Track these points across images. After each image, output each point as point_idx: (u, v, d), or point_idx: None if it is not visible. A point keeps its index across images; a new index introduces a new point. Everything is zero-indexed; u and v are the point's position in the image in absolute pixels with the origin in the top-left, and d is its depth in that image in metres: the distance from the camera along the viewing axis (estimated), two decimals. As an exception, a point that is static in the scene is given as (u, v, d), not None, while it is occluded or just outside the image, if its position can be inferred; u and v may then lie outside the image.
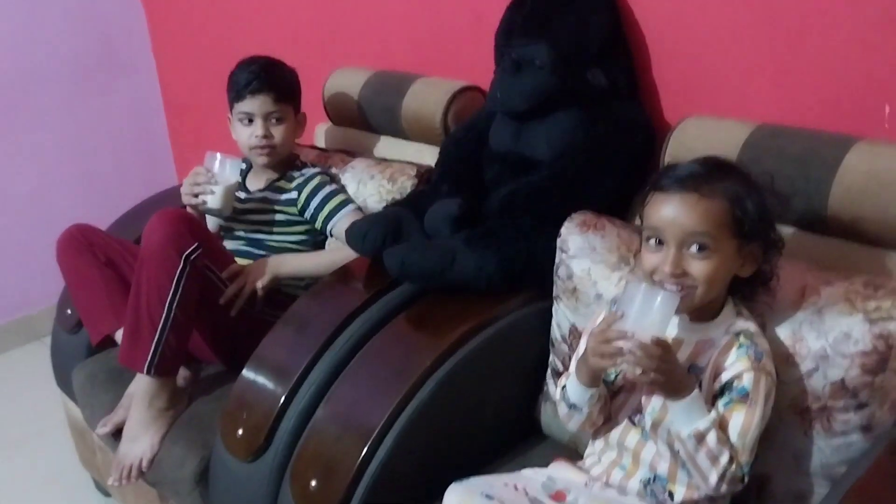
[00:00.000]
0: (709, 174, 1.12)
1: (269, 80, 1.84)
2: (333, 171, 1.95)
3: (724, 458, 1.06)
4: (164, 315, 1.59)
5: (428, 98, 1.92)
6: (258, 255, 1.86)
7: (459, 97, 1.89)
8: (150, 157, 3.18)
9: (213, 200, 1.79)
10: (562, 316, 1.42)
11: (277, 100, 1.84)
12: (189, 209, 1.88)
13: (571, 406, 1.19)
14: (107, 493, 2.07)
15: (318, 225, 1.85)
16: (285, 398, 1.43)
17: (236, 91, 1.86)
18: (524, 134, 1.64)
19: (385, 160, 1.94)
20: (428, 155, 1.93)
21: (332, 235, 1.85)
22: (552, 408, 1.44)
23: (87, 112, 2.96)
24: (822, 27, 1.40)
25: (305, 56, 2.17)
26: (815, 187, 1.30)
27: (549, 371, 1.47)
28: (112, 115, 3.03)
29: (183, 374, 1.73)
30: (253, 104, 1.83)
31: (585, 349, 1.14)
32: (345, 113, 2.14)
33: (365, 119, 2.09)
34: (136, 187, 3.06)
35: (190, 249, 1.61)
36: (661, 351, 1.04)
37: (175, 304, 1.59)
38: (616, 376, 1.19)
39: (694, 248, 1.09)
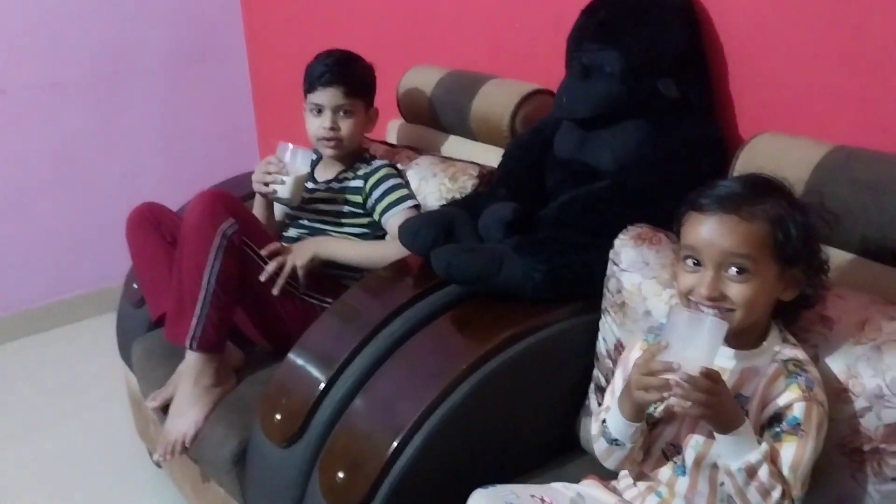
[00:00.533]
0: (750, 194, 1.06)
1: (342, 73, 1.85)
2: (399, 166, 1.95)
3: (777, 493, 1.00)
4: (203, 289, 1.62)
5: (498, 99, 1.90)
6: (321, 243, 1.88)
7: (529, 100, 1.87)
8: (236, 144, 3.26)
9: (282, 190, 1.81)
10: (608, 330, 1.38)
11: (348, 94, 1.85)
12: (258, 196, 1.91)
13: (613, 441, 1.13)
14: (159, 465, 2.12)
15: (375, 216, 1.86)
16: (324, 387, 1.43)
17: (310, 82, 1.88)
18: (589, 142, 1.60)
19: (449, 159, 1.93)
20: (494, 157, 1.90)
21: (385, 228, 1.85)
22: (591, 424, 1.40)
23: (179, 99, 3.07)
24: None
25: (385, 52, 2.19)
26: (889, 216, 1.22)
27: (592, 385, 1.42)
28: (202, 103, 3.13)
29: (236, 355, 1.76)
30: (323, 96, 1.85)
31: (628, 382, 1.08)
32: (417, 110, 2.14)
33: (436, 117, 2.08)
34: (220, 172, 3.14)
35: (226, 224, 1.63)
36: (712, 383, 0.98)
37: (213, 279, 1.62)
38: (658, 409, 1.13)
39: (733, 271, 1.03)
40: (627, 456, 1.14)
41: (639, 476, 1.19)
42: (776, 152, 1.40)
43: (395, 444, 1.28)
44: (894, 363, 1.05)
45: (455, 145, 2.05)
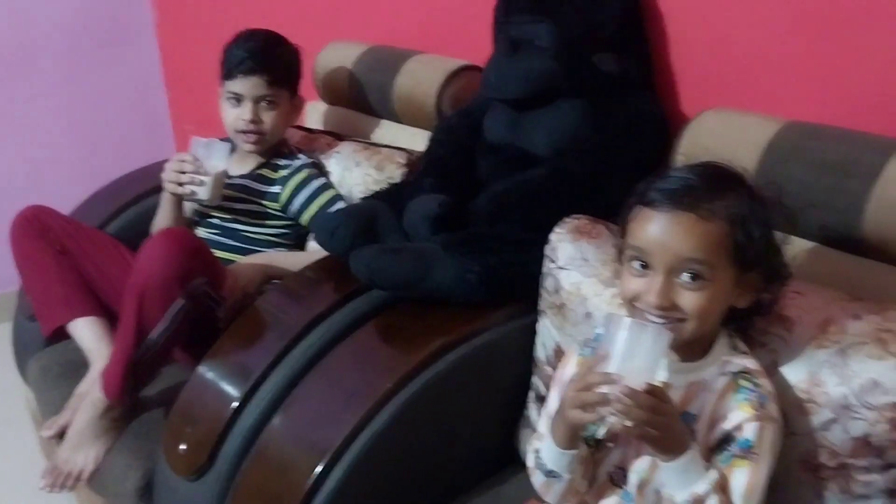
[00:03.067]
0: (708, 188, 0.92)
1: (265, 59, 1.67)
2: (319, 157, 1.78)
3: None
4: (144, 345, 1.44)
5: (422, 77, 1.74)
6: (233, 246, 1.71)
7: (457, 78, 1.71)
8: (149, 132, 3.04)
9: (202, 191, 1.64)
10: (547, 334, 1.25)
11: (271, 83, 1.67)
12: (166, 194, 1.73)
13: (549, 473, 1.00)
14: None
15: (303, 221, 1.70)
16: (234, 410, 1.28)
17: (228, 68, 1.70)
18: (522, 125, 1.46)
19: (374, 145, 1.77)
20: (421, 141, 1.73)
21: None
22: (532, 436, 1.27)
23: (85, 85, 2.83)
24: (872, 18, 1.20)
25: (302, 26, 2.01)
26: (848, 199, 1.11)
27: (531, 395, 1.29)
28: (111, 89, 2.90)
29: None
30: (243, 85, 1.67)
31: (562, 401, 0.95)
32: (337, 91, 1.97)
33: (358, 98, 1.91)
34: (134, 164, 2.94)
35: (194, 285, 1.45)
36: (656, 399, 0.86)
37: (161, 338, 1.44)
38: (603, 434, 0.95)
39: (686, 277, 0.90)
40: (568, 489, 1.01)
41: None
42: (724, 130, 1.28)
43: (315, 473, 1.13)
44: (861, 369, 0.94)
45: (379, 129, 1.89)
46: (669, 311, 0.91)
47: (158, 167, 1.81)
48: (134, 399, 1.51)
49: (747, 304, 0.96)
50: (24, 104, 2.71)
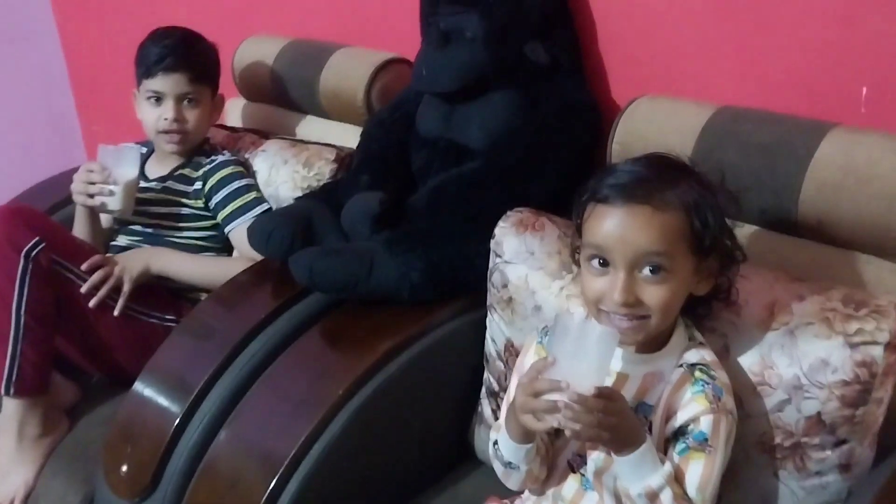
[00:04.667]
0: (659, 178, 0.92)
1: (186, 56, 1.60)
2: (245, 156, 1.73)
3: None
4: (13, 325, 1.37)
5: (349, 72, 1.70)
6: (157, 253, 1.64)
7: (385, 71, 1.68)
8: (56, 134, 2.90)
9: (113, 202, 1.56)
10: (496, 329, 1.24)
11: (193, 80, 1.61)
12: (79, 207, 1.64)
13: (507, 464, 0.99)
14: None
15: (219, 219, 1.64)
16: (177, 426, 1.23)
17: (146, 66, 1.62)
18: (455, 117, 1.44)
19: (301, 142, 1.72)
20: (350, 136, 1.70)
21: (231, 240, 1.63)
22: (486, 432, 1.27)
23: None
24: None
25: (215, 21, 1.94)
26: (783, 182, 1.13)
27: (483, 390, 1.28)
28: (13, 90, 2.74)
29: (68, 391, 1.51)
30: (165, 83, 1.60)
31: (512, 403, 0.94)
32: (258, 87, 1.91)
33: (280, 94, 1.86)
34: (42, 168, 2.80)
35: (30, 245, 1.38)
36: (604, 403, 0.85)
37: (23, 311, 1.37)
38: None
39: (647, 271, 0.90)
40: (526, 478, 1.01)
41: (542, 492, 1.06)
42: (657, 117, 1.29)
43: (269, 487, 1.10)
44: (810, 349, 0.97)
45: (305, 125, 1.84)
46: (634, 308, 0.90)
47: (69, 175, 1.72)
48: (42, 394, 1.42)
49: (706, 291, 0.97)
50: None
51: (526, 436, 0.95)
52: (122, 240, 1.67)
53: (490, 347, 1.26)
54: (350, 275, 1.24)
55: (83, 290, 1.45)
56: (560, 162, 1.36)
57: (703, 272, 0.95)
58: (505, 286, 1.22)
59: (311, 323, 1.31)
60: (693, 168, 0.97)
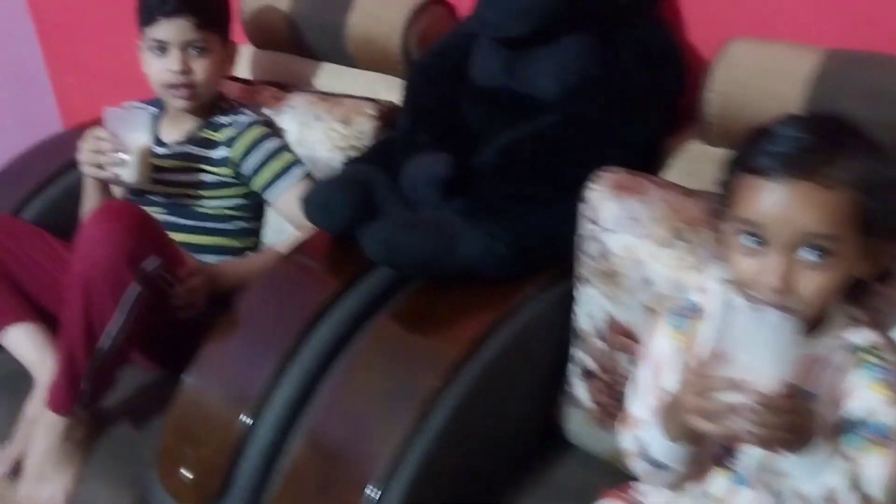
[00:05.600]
0: (828, 149, 0.80)
1: None
2: (265, 112, 1.56)
3: None
4: (104, 347, 1.23)
5: (381, 14, 1.53)
6: (184, 224, 1.48)
7: (424, 13, 1.51)
8: (23, 90, 2.65)
9: (127, 173, 1.39)
10: (594, 305, 1.13)
11: (201, 25, 1.42)
12: (89, 179, 1.48)
13: (657, 464, 0.89)
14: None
15: (254, 188, 1.49)
16: (244, 431, 1.10)
17: (147, 11, 1.43)
18: (520, 65, 1.29)
19: (332, 95, 1.56)
20: (384, 87, 1.56)
21: (276, 209, 1.49)
22: (582, 415, 1.17)
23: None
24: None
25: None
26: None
27: (576, 369, 1.18)
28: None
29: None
30: (168, 30, 1.41)
31: (677, 403, 0.83)
32: (271, 33, 1.72)
33: (299, 41, 1.67)
34: (10, 127, 2.58)
35: (147, 263, 1.23)
36: (792, 401, 0.75)
37: (121, 334, 1.23)
38: None
39: (809, 255, 0.79)
40: (679, 478, 0.91)
41: (678, 488, 0.96)
42: (758, 63, 1.16)
43: (367, 495, 0.99)
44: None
45: (329, 76, 1.67)
46: (788, 296, 0.80)
47: (63, 139, 1.55)
48: (95, 412, 1.30)
49: (870, 274, 0.86)
50: None
51: (690, 438, 0.85)
52: (141, 211, 1.51)
53: (584, 324, 1.15)
54: (431, 251, 1.11)
55: (179, 297, 1.30)
56: (646, 114, 1.24)
57: (872, 254, 0.84)
58: (605, 257, 1.10)
59: (378, 303, 1.18)
60: (865, 133, 0.85)
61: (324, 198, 1.22)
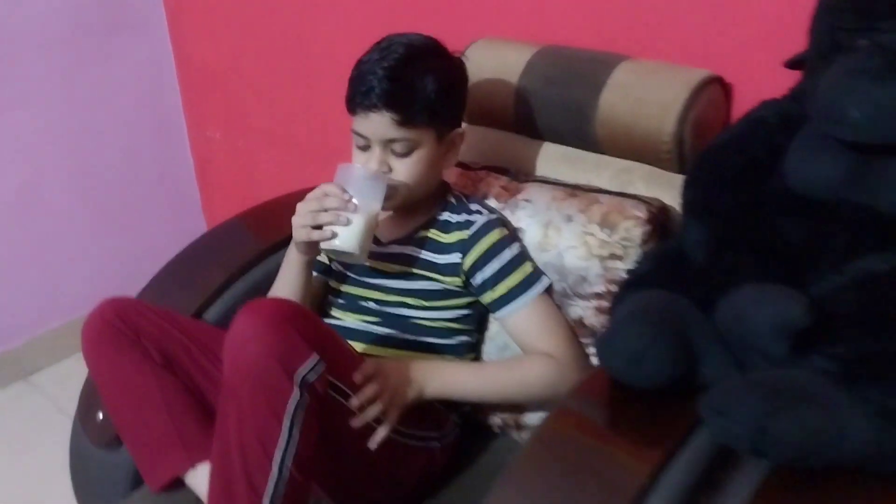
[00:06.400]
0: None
1: (394, 90, 1.15)
2: (494, 204, 1.30)
3: None
4: (273, 475, 0.97)
5: (649, 93, 1.25)
6: (400, 339, 1.23)
7: (702, 94, 1.23)
8: (161, 141, 2.46)
9: (347, 236, 1.13)
10: None
11: (404, 123, 1.16)
12: (294, 253, 1.23)
13: None
14: None
15: (484, 301, 1.23)
16: None
17: (351, 100, 1.20)
18: (874, 172, 1.00)
19: (579, 188, 1.29)
20: (638, 180, 1.29)
21: (507, 330, 1.23)
22: None
23: (80, 84, 2.23)
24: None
25: (430, 19, 1.50)
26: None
27: None
28: (112, 88, 2.30)
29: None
30: (366, 124, 1.18)
31: None
32: (490, 108, 1.44)
33: (524, 118, 1.39)
34: (144, 179, 2.40)
35: (306, 365, 0.98)
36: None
37: (289, 459, 0.98)
38: None
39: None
40: None
41: None
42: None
43: None
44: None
45: (561, 160, 1.38)
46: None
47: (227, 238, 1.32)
48: None
49: None
50: (10, 112, 2.10)
51: None
52: (348, 319, 1.26)
53: None
54: (814, 436, 0.81)
55: (353, 405, 1.05)
56: None
57: None
58: None
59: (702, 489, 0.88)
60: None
61: (635, 349, 0.93)
